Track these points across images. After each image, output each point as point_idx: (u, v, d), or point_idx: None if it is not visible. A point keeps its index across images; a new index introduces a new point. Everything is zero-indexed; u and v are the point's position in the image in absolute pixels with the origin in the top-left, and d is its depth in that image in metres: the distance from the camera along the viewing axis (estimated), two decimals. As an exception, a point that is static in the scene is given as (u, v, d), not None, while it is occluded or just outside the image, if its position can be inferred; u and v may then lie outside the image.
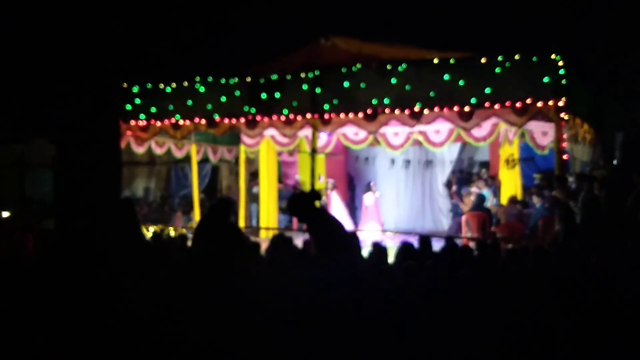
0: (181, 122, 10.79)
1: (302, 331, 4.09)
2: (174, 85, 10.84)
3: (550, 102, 8.54)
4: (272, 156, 12.99)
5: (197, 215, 12.90)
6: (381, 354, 4.03)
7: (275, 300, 4.35)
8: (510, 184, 11.68)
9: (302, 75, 9.88)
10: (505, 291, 4.65)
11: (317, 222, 5.08)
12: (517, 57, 8.73)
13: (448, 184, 13.98)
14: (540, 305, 4.38)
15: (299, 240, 7.04)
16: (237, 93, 10.33)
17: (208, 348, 4.05)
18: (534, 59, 8.68)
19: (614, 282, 4.80)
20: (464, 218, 11.16)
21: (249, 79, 10.27)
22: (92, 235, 5.65)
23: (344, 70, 9.62)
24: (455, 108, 9.00)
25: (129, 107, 10.97)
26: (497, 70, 8.75)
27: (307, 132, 10.70)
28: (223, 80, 10.46)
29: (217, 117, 10.51)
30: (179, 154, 12.96)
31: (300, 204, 5.19)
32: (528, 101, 8.61)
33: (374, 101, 9.38)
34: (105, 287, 4.51)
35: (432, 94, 9.07)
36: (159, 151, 12.56)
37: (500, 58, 8.77)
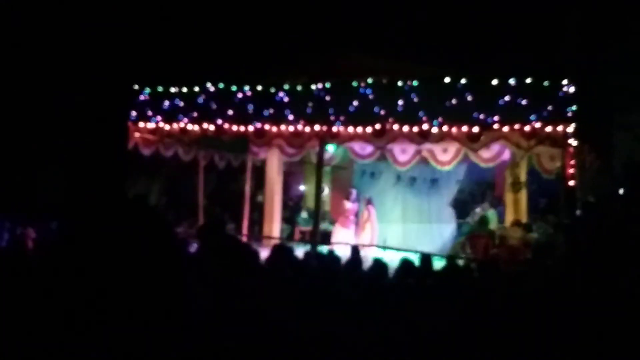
0: (189, 126, 10.80)
1: None
2: (184, 89, 10.86)
3: (559, 128, 8.51)
4: (279, 166, 13.01)
5: (201, 220, 12.89)
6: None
7: None
8: (516, 206, 11.63)
9: (313, 87, 9.88)
10: (505, 313, 4.63)
11: (224, 248, 5.11)
12: (528, 80, 8.72)
13: (454, 204, 13.92)
14: (542, 327, 4.36)
15: (299, 251, 7.02)
16: (247, 101, 10.34)
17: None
18: (545, 83, 8.66)
19: (617, 311, 4.77)
20: (466, 238, 11.13)
21: (259, 87, 10.28)
22: (96, 234, 5.63)
23: (354, 84, 9.62)
24: (464, 128, 8.98)
25: (138, 109, 10.99)
26: (508, 92, 8.73)
27: (314, 143, 10.68)
28: (234, 87, 10.46)
29: (225, 124, 10.51)
30: (185, 158, 12.95)
31: (209, 232, 5.24)
32: (537, 125, 8.58)
33: (383, 117, 9.37)
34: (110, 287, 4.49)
35: (441, 112, 9.05)
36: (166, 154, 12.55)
37: (511, 81, 8.76)
